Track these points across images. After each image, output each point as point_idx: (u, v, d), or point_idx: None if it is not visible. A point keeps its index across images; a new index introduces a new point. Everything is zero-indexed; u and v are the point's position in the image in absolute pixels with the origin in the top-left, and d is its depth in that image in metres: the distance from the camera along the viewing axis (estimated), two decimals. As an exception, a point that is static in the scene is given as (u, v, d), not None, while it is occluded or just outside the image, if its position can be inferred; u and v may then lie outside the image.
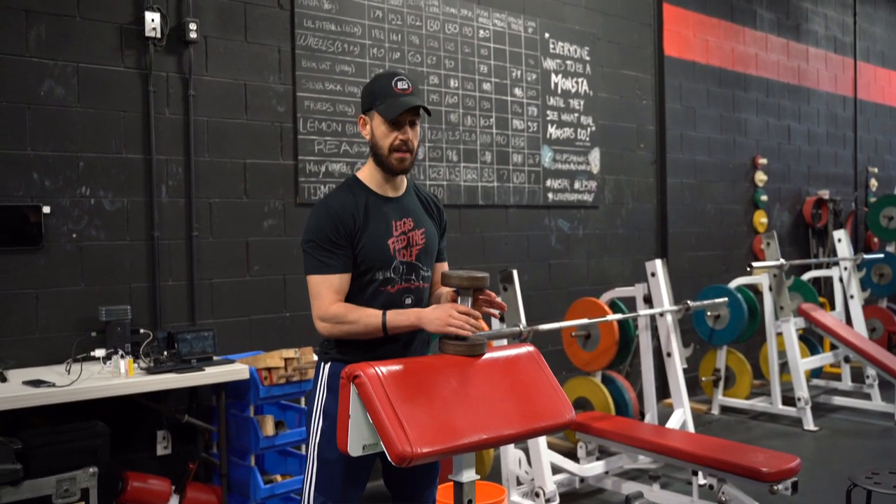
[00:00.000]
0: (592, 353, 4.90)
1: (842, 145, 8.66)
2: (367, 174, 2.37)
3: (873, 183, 9.05)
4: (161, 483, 3.46)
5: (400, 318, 2.24)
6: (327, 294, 2.27)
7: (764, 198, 7.41)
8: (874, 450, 5.17)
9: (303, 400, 3.82)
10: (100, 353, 3.39)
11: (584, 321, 4.50)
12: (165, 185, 3.82)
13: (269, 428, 3.57)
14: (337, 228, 2.24)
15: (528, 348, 2.35)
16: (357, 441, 2.08)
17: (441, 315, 2.17)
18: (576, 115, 5.75)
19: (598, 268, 5.94)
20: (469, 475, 2.16)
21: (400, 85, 2.29)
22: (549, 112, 5.55)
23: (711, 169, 6.93)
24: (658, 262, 4.74)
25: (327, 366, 2.36)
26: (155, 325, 3.73)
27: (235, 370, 3.45)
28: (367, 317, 2.24)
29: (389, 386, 2.04)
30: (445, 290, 2.45)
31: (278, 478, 3.70)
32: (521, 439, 2.19)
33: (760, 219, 7.40)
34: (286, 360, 3.61)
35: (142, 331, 3.59)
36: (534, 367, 2.30)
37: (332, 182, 4.35)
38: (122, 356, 3.30)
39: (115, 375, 3.21)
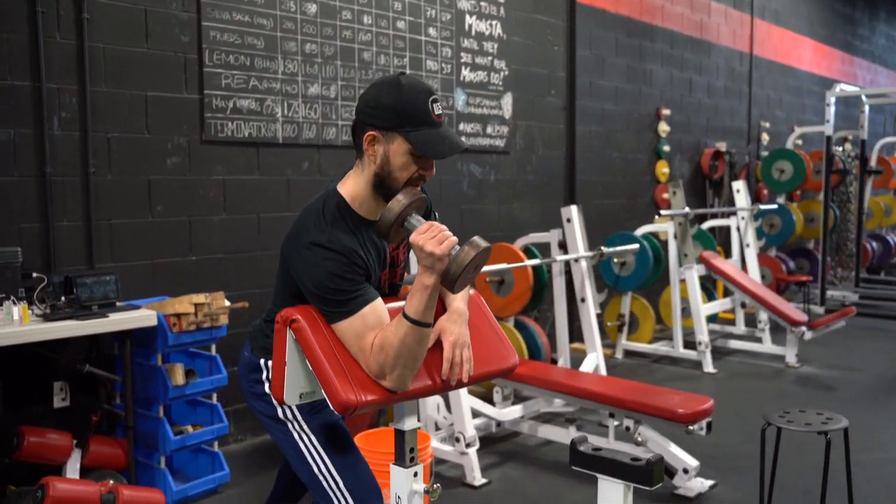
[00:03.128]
0: (506, 299, 4.88)
1: (738, 99, 8.91)
2: (357, 197, 1.97)
3: (764, 137, 9.37)
4: (61, 437, 3.22)
5: (416, 301, 1.84)
6: (368, 337, 1.87)
7: (666, 148, 7.55)
8: (770, 390, 5.41)
9: (213, 347, 3.62)
10: (-13, 298, 3.09)
11: (501, 266, 4.47)
12: (58, 117, 3.49)
13: (179, 377, 3.37)
14: (353, 268, 1.89)
15: (469, 292, 2.26)
16: (294, 389, 1.95)
17: (428, 255, 1.80)
18: (489, 58, 5.64)
19: (508, 214, 5.90)
20: (411, 423, 2.07)
21: (436, 109, 1.92)
22: (463, 54, 5.42)
23: (618, 118, 6.98)
24: (573, 209, 4.74)
25: (270, 363, 2.09)
26: (49, 269, 3.44)
27: (142, 316, 3.22)
28: (403, 336, 1.83)
29: (329, 330, 1.91)
30: None
31: (189, 428, 3.52)
32: (467, 385, 2.11)
33: (663, 168, 7.54)
34: (196, 305, 3.41)
35: (34, 275, 3.29)
36: (476, 311, 2.21)
37: (240, 119, 4.09)
38: (13, 302, 3.01)
39: (8, 323, 2.94)
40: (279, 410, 2.12)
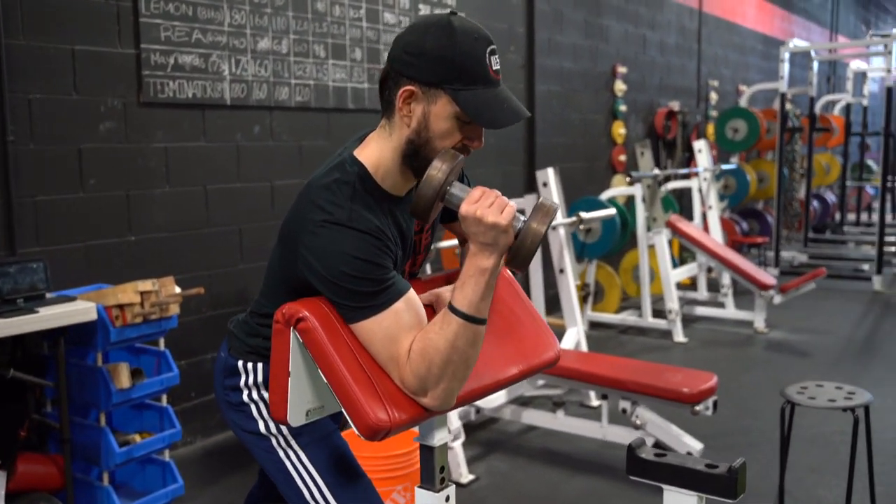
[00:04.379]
0: (478, 273, 4.51)
1: (688, 57, 8.68)
2: (381, 166, 1.55)
3: (713, 96, 9.20)
4: (-17, 457, 2.72)
5: (470, 290, 1.44)
6: (405, 340, 1.47)
7: (623, 108, 7.26)
8: (747, 359, 5.22)
9: (162, 341, 3.15)
10: None
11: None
12: (-35, 75, 2.93)
13: (124, 378, 2.89)
14: (383, 251, 1.48)
15: (503, 274, 1.87)
16: (299, 406, 1.54)
17: (490, 227, 1.41)
18: (448, 10, 5.19)
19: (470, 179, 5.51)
20: (441, 436, 1.68)
21: (494, 63, 1.50)
22: (420, 5, 4.97)
23: (577, 76, 6.64)
24: (550, 172, 4.38)
25: (259, 366, 1.70)
26: (-38, 257, 2.90)
27: (79, 310, 2.73)
28: (452, 337, 1.44)
29: (347, 330, 1.50)
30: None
31: (137, 437, 3.04)
32: (508, 385, 1.74)
33: (619, 129, 7.25)
34: (142, 293, 2.92)
35: (-56, 264, 2.77)
36: (508, 291, 1.83)
37: (183, 77, 3.58)
38: (-80, 299, 2.50)
39: (-86, 325, 2.42)
40: (260, 423, 1.71)
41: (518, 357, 1.73)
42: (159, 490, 3.09)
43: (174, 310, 3.05)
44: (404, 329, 1.47)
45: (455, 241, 3.62)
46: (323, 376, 1.47)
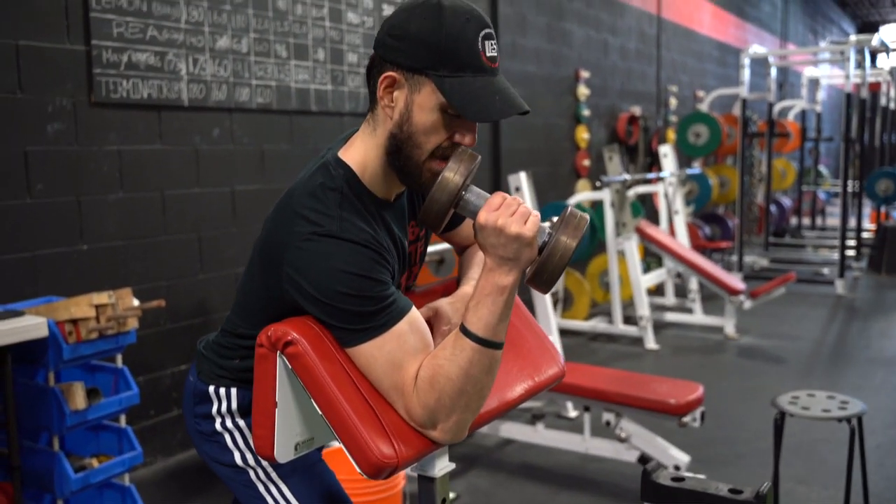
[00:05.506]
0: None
1: (648, 63, 8.66)
2: (368, 167, 1.39)
3: (672, 101, 9.20)
4: (-78, 490, 2.48)
5: (485, 310, 1.29)
6: (410, 367, 1.31)
7: (586, 112, 7.18)
8: (721, 366, 5.15)
9: (119, 358, 2.92)
10: None
11: (438, 247, 3.94)
12: None
13: (79, 399, 2.66)
14: (380, 264, 1.31)
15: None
16: (287, 440, 1.37)
17: (513, 238, 1.26)
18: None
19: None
20: (443, 465, 1.52)
21: (489, 49, 1.32)
22: (384, 5, 4.80)
23: (539, 81, 6.54)
24: (522, 176, 4.26)
25: (233, 392, 1.51)
26: None
27: (29, 325, 2.49)
28: (466, 364, 1.28)
29: (343, 354, 1.33)
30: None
31: (94, 462, 2.82)
32: (515, 407, 1.58)
33: (582, 134, 7.17)
34: (98, 307, 2.70)
35: None
36: (514, 308, 1.68)
37: (138, 77, 3.35)
38: None
39: None
40: (236, 455, 1.53)
41: (523, 375, 1.58)
42: (117, 518, 2.87)
43: (132, 324, 2.83)
44: (409, 353, 1.31)
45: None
46: (317, 407, 1.30)
